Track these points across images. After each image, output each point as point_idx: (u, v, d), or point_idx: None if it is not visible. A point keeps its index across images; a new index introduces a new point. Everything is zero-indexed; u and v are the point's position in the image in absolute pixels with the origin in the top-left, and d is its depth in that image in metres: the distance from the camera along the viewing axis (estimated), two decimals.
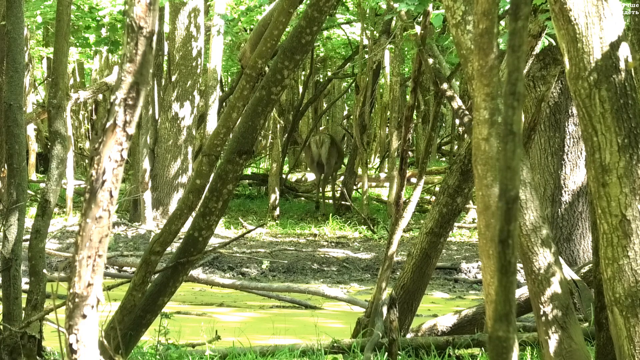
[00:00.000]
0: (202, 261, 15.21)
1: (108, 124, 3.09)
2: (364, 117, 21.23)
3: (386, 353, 7.83)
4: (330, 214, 21.74)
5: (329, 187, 23.26)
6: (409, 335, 8.54)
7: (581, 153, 13.09)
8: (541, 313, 5.54)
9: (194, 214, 6.42)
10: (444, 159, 32.75)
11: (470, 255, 16.95)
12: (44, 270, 6.93)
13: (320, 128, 32.15)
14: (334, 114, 35.99)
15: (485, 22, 4.02)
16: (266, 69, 6.36)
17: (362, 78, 21.41)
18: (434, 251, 8.48)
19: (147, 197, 19.15)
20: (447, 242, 15.17)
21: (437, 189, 22.68)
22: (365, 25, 21.13)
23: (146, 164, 19.44)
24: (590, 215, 8.73)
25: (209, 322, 10.13)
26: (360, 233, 20.06)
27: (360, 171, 22.50)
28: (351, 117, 33.14)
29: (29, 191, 18.13)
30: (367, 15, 21.06)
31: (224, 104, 23.45)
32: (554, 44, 6.85)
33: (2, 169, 8.49)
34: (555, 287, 5.57)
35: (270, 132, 28.53)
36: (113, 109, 3.09)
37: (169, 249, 7.34)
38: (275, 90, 6.21)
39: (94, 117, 32.93)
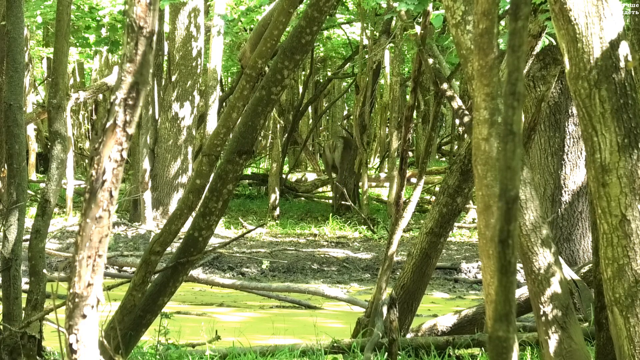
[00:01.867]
0: (202, 261, 15.21)
1: (108, 124, 3.09)
2: (364, 117, 21.23)
3: (386, 353, 7.83)
4: (330, 214, 21.74)
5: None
6: (409, 335, 8.54)
7: (581, 153, 13.09)
8: (541, 313, 5.54)
9: (194, 214, 6.42)
10: (444, 159, 32.75)
11: (470, 255, 16.95)
12: (44, 270, 6.93)
13: (320, 128, 32.15)
14: (334, 114, 35.99)
15: (485, 22, 4.02)
16: (266, 69, 6.36)
17: (362, 78, 21.41)
18: (434, 251, 8.48)
19: (147, 197, 19.15)
20: (447, 242, 15.17)
21: (437, 189, 22.67)
22: (365, 25, 21.12)
23: (146, 164, 19.44)
24: (590, 215, 8.73)
25: (209, 322, 10.13)
26: (360, 233, 20.06)
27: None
28: (351, 117, 33.14)
29: (29, 191, 18.13)
30: (367, 15, 21.06)
31: (224, 104, 23.45)
32: (554, 43, 6.85)
33: (2, 169, 8.49)
34: (555, 287, 5.57)
35: (270, 132, 28.54)
36: (113, 109, 3.09)
37: (169, 249, 7.34)
38: (275, 90, 6.21)
39: (94, 117, 32.93)
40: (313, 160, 32.13)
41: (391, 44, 22.29)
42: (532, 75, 7.02)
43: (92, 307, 3.10)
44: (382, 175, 27.31)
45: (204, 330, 8.97)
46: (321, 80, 31.61)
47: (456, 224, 18.90)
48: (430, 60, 8.49)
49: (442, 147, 34.03)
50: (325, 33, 25.32)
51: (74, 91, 20.27)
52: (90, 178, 3.09)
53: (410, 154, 28.90)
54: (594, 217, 5.20)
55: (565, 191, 13.22)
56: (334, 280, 14.97)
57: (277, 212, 21.77)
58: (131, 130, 3.10)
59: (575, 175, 13.24)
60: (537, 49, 6.79)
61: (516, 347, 5.23)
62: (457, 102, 7.94)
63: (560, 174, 13.24)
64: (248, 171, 28.83)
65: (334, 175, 22.98)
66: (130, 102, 3.09)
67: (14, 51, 7.12)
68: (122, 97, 3.09)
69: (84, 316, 3.10)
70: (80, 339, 3.10)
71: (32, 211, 18.97)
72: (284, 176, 25.48)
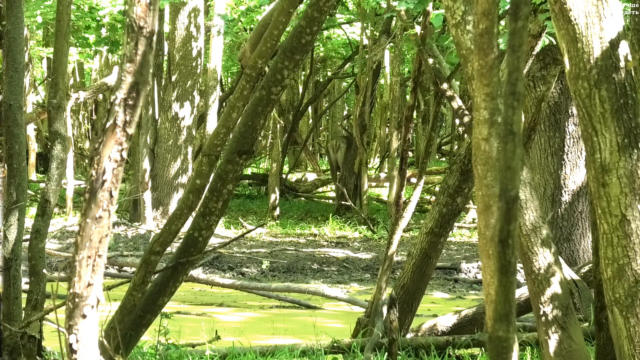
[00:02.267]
0: (202, 261, 15.21)
1: (108, 124, 3.09)
2: (364, 117, 21.23)
3: (386, 353, 7.83)
4: (330, 215, 21.73)
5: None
6: (409, 335, 8.54)
7: (581, 153, 13.09)
8: (541, 313, 5.54)
9: (194, 214, 6.42)
10: (444, 159, 32.75)
11: (470, 255, 16.95)
12: (44, 270, 6.93)
13: (320, 128, 32.11)
14: (334, 114, 35.99)
15: (485, 22, 4.02)
16: (266, 69, 6.36)
17: (362, 78, 21.41)
18: (434, 251, 8.48)
19: (147, 197, 19.15)
20: (447, 242, 15.17)
21: (437, 189, 22.67)
22: (365, 25, 21.12)
23: (146, 164, 19.44)
24: (590, 215, 8.73)
25: (209, 322, 10.13)
26: (360, 233, 20.06)
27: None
28: (351, 117, 33.13)
29: (29, 191, 18.13)
30: (367, 15, 21.05)
31: (224, 104, 23.45)
32: (554, 43, 6.84)
33: (2, 169, 8.49)
34: (555, 287, 5.57)
35: (270, 132, 28.53)
36: (113, 109, 3.09)
37: (169, 249, 7.34)
38: (275, 90, 6.21)
39: (94, 117, 32.93)
40: (313, 160, 32.14)
41: (391, 44, 22.29)
42: (532, 75, 7.02)
43: (92, 307, 3.10)
44: (382, 175, 27.31)
45: (204, 330, 8.97)
46: (321, 80, 31.61)
47: (456, 224, 18.90)
48: (430, 60, 8.49)
49: (442, 147, 34.04)
50: (325, 33, 25.32)
51: (74, 91, 20.27)
52: (90, 178, 3.09)
53: (410, 154, 28.90)
54: (594, 217, 5.20)
55: (565, 191, 13.22)
56: (334, 280, 14.97)
57: (277, 212, 21.77)
58: (131, 130, 3.10)
59: (575, 175, 13.24)
60: (537, 49, 6.79)
61: (516, 347, 5.23)
62: (457, 102, 7.94)
63: (560, 174, 13.24)
64: (248, 171, 28.83)
65: (338, 175, 22.97)
66: (130, 102, 3.09)
67: (14, 51, 7.12)
68: (122, 97, 3.09)
69: (84, 316, 3.10)
70: (80, 339, 3.10)
71: (32, 211, 18.97)
72: (284, 176, 25.48)
